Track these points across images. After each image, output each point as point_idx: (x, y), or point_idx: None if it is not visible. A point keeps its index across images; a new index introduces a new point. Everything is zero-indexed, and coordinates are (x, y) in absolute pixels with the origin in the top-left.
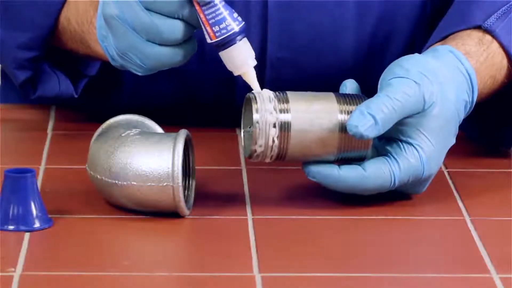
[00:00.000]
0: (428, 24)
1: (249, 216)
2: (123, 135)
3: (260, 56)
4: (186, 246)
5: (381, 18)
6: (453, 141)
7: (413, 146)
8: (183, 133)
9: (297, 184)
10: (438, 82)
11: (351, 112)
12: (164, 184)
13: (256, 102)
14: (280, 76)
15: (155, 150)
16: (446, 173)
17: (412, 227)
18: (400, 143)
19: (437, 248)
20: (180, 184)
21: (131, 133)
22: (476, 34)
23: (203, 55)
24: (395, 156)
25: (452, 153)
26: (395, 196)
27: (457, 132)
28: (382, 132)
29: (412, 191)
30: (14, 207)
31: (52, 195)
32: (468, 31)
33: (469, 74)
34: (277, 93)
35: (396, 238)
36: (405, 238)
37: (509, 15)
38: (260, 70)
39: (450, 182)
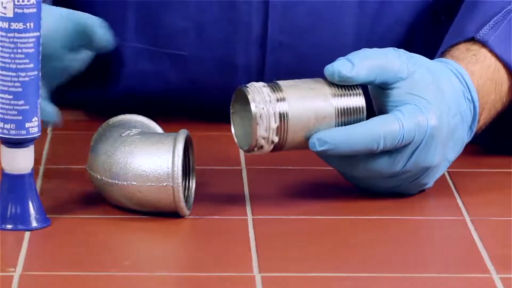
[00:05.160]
0: (429, 12)
1: (249, 216)
2: (123, 135)
3: (261, 40)
4: (186, 246)
5: (382, 4)
6: (457, 122)
7: (410, 104)
8: (183, 133)
9: (297, 184)
10: (422, 61)
11: (343, 94)
12: (164, 184)
13: (251, 94)
14: (280, 61)
15: (155, 150)
16: (446, 173)
17: (412, 227)
18: (399, 106)
19: (437, 248)
20: (180, 184)
21: (131, 133)
22: (463, 45)
23: (202, 38)
24: (399, 109)
25: None
26: (395, 196)
27: (465, 124)
28: (360, 76)
29: (421, 177)
30: (12, 206)
31: (52, 195)
32: (457, 45)
33: (458, 71)
34: (268, 83)
35: (396, 238)
36: (405, 238)
37: (502, 24)
38: (260, 54)
39: (450, 182)
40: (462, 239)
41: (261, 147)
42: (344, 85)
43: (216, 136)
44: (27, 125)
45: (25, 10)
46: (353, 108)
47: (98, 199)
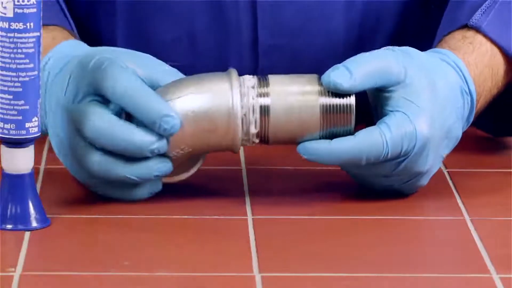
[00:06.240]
0: (418, 3)
1: (249, 216)
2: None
3: (252, 44)
4: (186, 246)
5: (369, 1)
6: (452, 122)
7: (401, 112)
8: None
9: (297, 184)
10: (419, 60)
11: (333, 93)
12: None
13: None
14: (273, 64)
15: (210, 77)
16: (446, 173)
17: (412, 227)
18: (390, 112)
19: (437, 248)
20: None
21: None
22: (459, 32)
23: (194, 47)
24: (385, 121)
25: (452, 153)
26: (395, 196)
27: (460, 120)
28: (358, 86)
29: (414, 180)
30: (12, 206)
31: (52, 195)
32: (452, 33)
33: (456, 64)
34: (258, 77)
35: (396, 238)
36: (405, 238)
37: (494, 8)
38: (253, 58)
39: (450, 182)
40: (462, 239)
41: (244, 144)
42: None
43: None
44: (27, 125)
45: (25, 10)
46: (340, 105)
47: (98, 199)
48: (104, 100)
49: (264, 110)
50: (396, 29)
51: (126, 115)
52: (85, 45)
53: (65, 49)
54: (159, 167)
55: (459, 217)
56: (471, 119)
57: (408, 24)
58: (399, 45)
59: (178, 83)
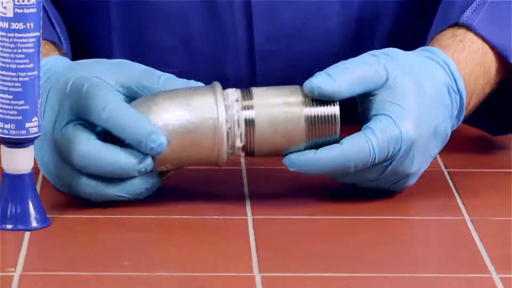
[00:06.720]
0: (416, 4)
1: (249, 216)
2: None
3: (249, 50)
4: (186, 246)
5: (365, 0)
6: (439, 122)
7: (386, 115)
8: (217, 84)
9: (297, 184)
10: (403, 62)
11: (317, 103)
12: (207, 116)
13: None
14: (270, 68)
15: (195, 91)
16: (446, 173)
17: (412, 227)
18: (374, 116)
19: (437, 248)
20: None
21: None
22: (449, 30)
23: (191, 54)
24: (370, 126)
25: (452, 153)
26: (395, 196)
27: (449, 119)
28: (342, 91)
29: (402, 181)
30: (12, 206)
31: (52, 195)
32: (443, 32)
33: (445, 62)
34: (242, 90)
35: (396, 238)
36: (404, 238)
37: (485, 6)
38: (250, 64)
39: (450, 182)
40: (462, 239)
41: (229, 157)
42: None
43: None
44: (27, 125)
45: (25, 10)
46: (325, 115)
47: None
48: (86, 123)
49: (249, 123)
50: (394, 28)
51: (109, 135)
52: (66, 60)
53: (46, 66)
54: (145, 181)
55: (459, 217)
56: (462, 117)
57: (406, 23)
58: (397, 45)
59: (161, 99)
